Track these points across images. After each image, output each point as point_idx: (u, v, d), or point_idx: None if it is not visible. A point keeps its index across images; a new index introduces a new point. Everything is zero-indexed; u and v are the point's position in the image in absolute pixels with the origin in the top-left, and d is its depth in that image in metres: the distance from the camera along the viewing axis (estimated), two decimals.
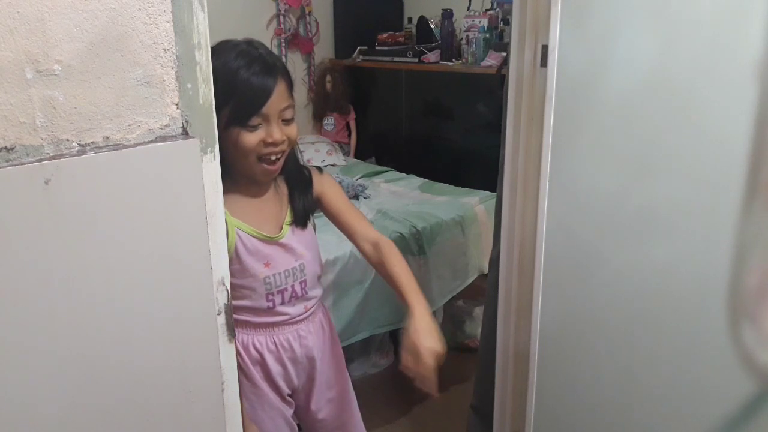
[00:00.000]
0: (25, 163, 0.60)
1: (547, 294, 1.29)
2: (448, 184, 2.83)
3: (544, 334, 1.31)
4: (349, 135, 3.75)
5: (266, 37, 3.47)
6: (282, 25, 3.54)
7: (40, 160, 0.61)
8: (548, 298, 1.29)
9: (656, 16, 1.01)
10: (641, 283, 1.11)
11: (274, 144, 1.13)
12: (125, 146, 0.67)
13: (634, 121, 1.06)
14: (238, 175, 1.17)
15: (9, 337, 0.62)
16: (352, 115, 3.73)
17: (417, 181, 2.93)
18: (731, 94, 0.91)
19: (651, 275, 1.09)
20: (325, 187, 1.30)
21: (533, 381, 1.35)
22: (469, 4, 3.11)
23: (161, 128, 0.72)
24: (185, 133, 0.73)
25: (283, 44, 3.55)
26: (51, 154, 0.62)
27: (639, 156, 1.07)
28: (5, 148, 0.60)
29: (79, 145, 0.64)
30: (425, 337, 1.08)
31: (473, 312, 2.58)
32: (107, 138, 0.66)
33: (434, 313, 2.52)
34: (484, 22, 2.91)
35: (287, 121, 1.15)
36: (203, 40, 0.70)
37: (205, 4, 0.70)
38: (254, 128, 1.12)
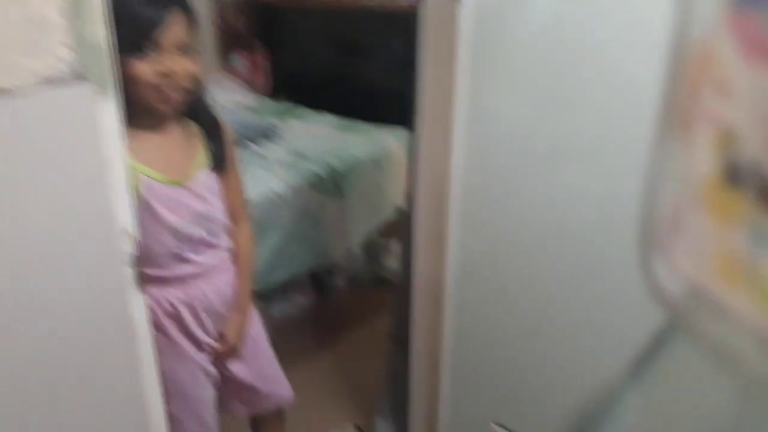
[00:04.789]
0: None
1: (462, 226, 1.33)
2: (363, 122, 2.82)
3: (459, 264, 1.36)
4: (259, 73, 3.62)
5: None
6: None
7: None
8: (463, 230, 1.33)
9: None
10: (554, 213, 1.15)
11: (170, 75, 1.09)
12: (10, 91, 0.62)
13: (548, 55, 1.08)
14: (137, 109, 1.11)
15: None
16: (262, 52, 3.59)
17: (331, 119, 2.89)
18: (644, 25, 0.93)
19: (564, 206, 1.13)
20: (228, 141, 1.29)
21: (449, 309, 1.41)
22: None
23: (50, 71, 0.67)
24: (78, 77, 0.68)
25: None
26: None
27: (553, 88, 1.09)
28: None
29: None
30: (231, 333, 1.32)
31: (391, 247, 2.64)
32: None
33: (350, 250, 2.56)
34: None
35: (186, 54, 1.11)
36: None
37: None
38: (148, 58, 1.07)
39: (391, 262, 2.59)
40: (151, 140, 1.16)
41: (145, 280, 0.77)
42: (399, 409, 1.68)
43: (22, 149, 0.63)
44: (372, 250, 2.68)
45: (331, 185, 2.21)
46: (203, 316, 1.26)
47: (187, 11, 1.12)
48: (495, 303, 1.31)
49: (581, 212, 1.11)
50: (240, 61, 3.55)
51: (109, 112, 0.69)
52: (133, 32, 1.05)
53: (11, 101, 0.62)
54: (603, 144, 1.05)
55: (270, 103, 3.27)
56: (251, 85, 3.51)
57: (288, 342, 2.14)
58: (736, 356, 0.23)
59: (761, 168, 0.20)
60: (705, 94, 0.23)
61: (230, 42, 3.54)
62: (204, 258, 1.24)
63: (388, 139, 2.52)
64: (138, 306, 0.76)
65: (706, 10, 0.23)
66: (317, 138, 2.62)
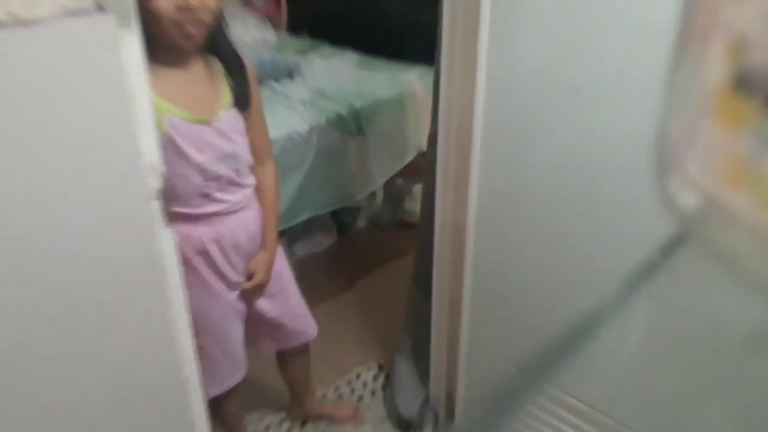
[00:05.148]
0: None
1: (485, 168, 1.31)
2: (385, 59, 2.75)
3: (481, 207, 1.35)
4: (279, 6, 3.53)
5: None
6: None
7: None
8: (485, 172, 1.32)
9: None
10: (577, 153, 1.13)
11: (189, 10, 1.06)
12: (33, 22, 0.61)
13: None
14: (159, 45, 1.10)
15: None
16: None
17: (352, 57, 2.82)
18: None
19: (587, 145, 1.11)
20: (251, 79, 1.26)
21: (470, 252, 1.41)
22: None
23: (72, 2, 0.65)
24: (99, 7, 0.66)
25: None
26: None
27: (577, 24, 1.06)
28: None
29: None
30: (260, 270, 1.34)
31: (412, 189, 2.63)
32: (11, 13, 0.60)
33: (374, 193, 2.56)
34: None
35: None
36: None
37: None
38: None
39: (413, 205, 2.59)
40: (175, 77, 1.15)
41: (174, 218, 0.78)
42: (419, 350, 1.71)
43: (45, 82, 0.62)
44: (394, 192, 2.67)
45: (353, 125, 2.18)
46: (231, 253, 1.28)
47: None
48: (517, 245, 1.31)
49: (603, 151, 1.09)
50: None
51: (132, 44, 0.68)
52: None
53: (34, 33, 0.61)
54: (626, 82, 1.02)
55: (290, 40, 3.21)
56: (271, 20, 3.43)
57: (310, 282, 2.18)
58: (742, 262, 0.24)
59: None
60: (720, 5, 0.23)
61: None
62: (231, 196, 1.24)
63: (411, 78, 2.46)
64: (167, 241, 0.76)
65: None
66: (339, 76, 2.57)
